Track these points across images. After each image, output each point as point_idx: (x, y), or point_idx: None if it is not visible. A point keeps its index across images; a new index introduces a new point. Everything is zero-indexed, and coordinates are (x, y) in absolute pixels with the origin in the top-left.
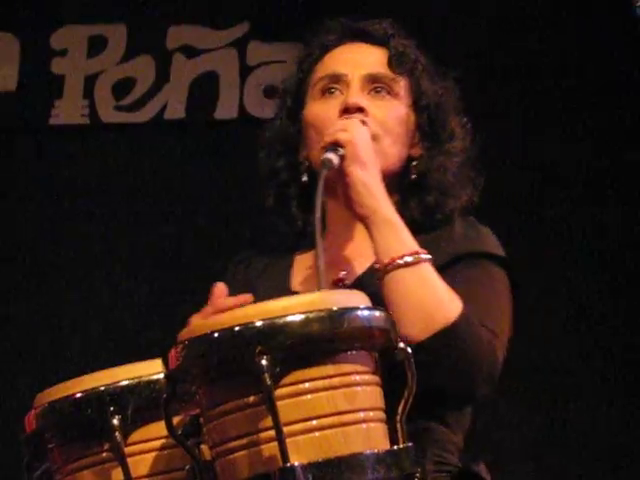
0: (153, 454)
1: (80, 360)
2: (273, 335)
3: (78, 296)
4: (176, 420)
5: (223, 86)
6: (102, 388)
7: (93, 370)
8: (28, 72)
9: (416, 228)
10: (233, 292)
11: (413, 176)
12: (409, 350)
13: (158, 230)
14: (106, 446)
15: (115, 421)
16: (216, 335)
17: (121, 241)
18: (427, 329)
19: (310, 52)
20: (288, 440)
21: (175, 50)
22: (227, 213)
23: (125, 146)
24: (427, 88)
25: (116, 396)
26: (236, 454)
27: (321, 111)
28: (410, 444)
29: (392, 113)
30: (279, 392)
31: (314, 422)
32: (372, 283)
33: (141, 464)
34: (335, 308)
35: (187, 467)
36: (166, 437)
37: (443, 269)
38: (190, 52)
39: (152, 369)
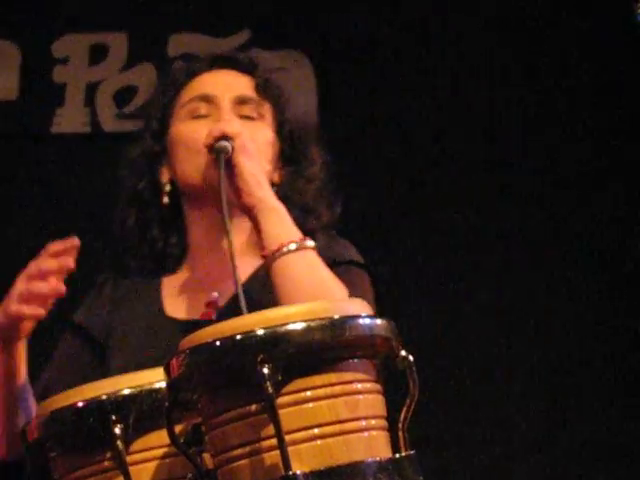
0: (155, 463)
1: None
2: (275, 343)
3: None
4: (178, 429)
5: None
6: (104, 397)
7: None
8: (29, 80)
9: None
10: (101, 310)
11: None
12: (411, 358)
13: None
14: (108, 455)
15: (117, 430)
16: (218, 344)
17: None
18: None
19: (176, 77)
20: (290, 448)
21: (176, 58)
22: None
23: None
24: (290, 116)
25: (118, 405)
26: (238, 462)
27: (191, 131)
28: (412, 452)
29: (263, 137)
30: (281, 400)
31: (316, 430)
32: (254, 293)
33: (143, 473)
34: (337, 316)
35: (189, 476)
36: (168, 446)
37: None
38: None
39: (154, 378)
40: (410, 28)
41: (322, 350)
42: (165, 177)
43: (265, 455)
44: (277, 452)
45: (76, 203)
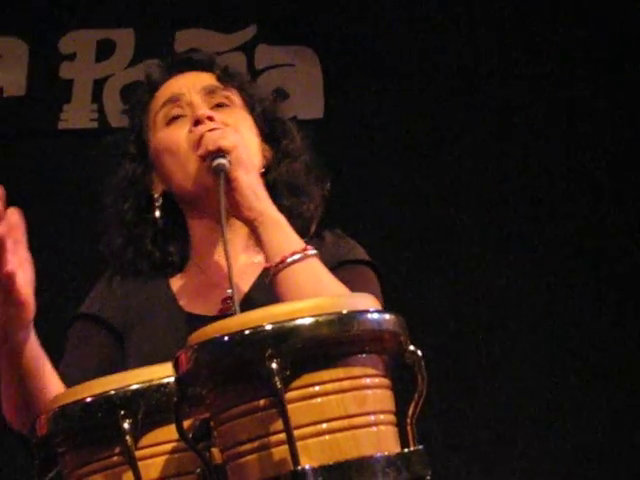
0: (164, 458)
1: None
2: (283, 338)
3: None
4: (186, 424)
5: None
6: (112, 392)
7: None
8: (37, 77)
9: None
10: (115, 302)
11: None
12: (419, 353)
13: None
14: (117, 450)
15: (126, 425)
16: (226, 339)
17: None
18: None
19: (140, 97)
20: (298, 443)
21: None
22: None
23: None
24: (257, 96)
25: (126, 400)
26: (247, 457)
27: (170, 136)
28: (421, 447)
29: (242, 122)
30: (289, 395)
31: (324, 425)
32: (261, 296)
33: (152, 468)
34: (345, 311)
35: (198, 470)
36: (177, 440)
37: None
38: None
39: (162, 373)
40: (417, 24)
41: (330, 345)
42: (158, 189)
43: (274, 450)
44: (285, 447)
45: (83, 199)
